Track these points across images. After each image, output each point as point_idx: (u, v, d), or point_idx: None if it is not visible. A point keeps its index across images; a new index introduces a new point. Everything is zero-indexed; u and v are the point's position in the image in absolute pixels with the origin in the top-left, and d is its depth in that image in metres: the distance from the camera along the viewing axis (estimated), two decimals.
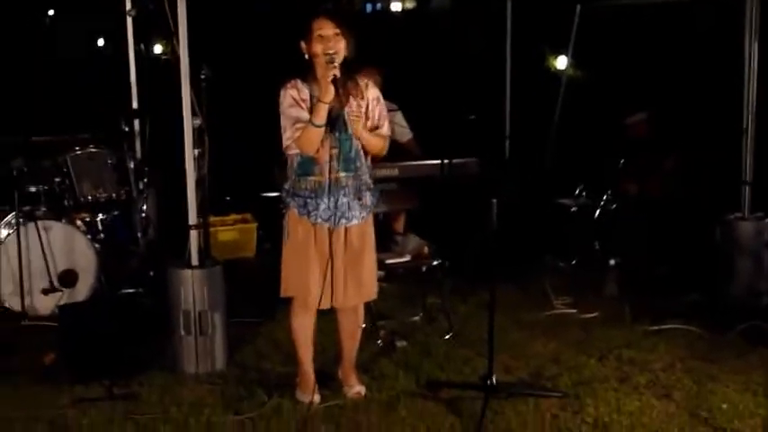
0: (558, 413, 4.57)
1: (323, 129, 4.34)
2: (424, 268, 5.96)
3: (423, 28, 18.44)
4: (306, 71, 4.46)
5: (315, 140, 4.35)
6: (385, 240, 6.01)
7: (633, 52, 12.62)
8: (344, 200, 4.45)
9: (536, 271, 7.00)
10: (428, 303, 6.18)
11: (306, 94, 4.43)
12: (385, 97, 4.73)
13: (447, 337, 5.67)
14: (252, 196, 8.09)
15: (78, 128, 6.99)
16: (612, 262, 6.58)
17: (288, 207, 4.54)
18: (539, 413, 4.57)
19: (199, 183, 5.34)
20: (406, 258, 5.81)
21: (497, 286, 4.80)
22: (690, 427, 4.42)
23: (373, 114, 4.55)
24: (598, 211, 7.36)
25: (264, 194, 7.63)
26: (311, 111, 4.35)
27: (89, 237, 6.32)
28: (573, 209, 7.54)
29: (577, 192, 7.67)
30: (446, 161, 5.66)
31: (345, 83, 4.37)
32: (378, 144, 4.57)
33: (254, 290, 6.40)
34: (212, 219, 7.17)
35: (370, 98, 4.54)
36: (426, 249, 5.87)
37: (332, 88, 4.28)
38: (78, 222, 6.42)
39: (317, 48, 4.37)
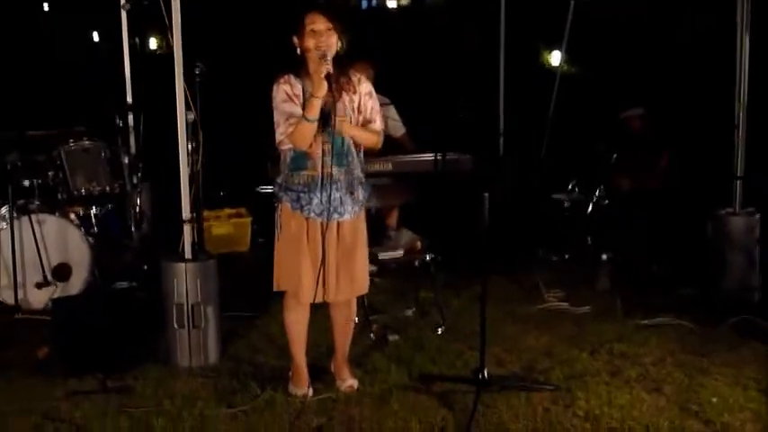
0: (550, 406, 4.59)
1: (316, 124, 4.34)
2: (416, 263, 5.98)
3: (418, 24, 18.44)
4: (298, 66, 4.46)
5: (308, 135, 4.37)
6: (378, 235, 6.02)
7: (626, 48, 12.66)
8: (337, 194, 4.46)
9: (529, 265, 7.03)
10: (421, 298, 6.21)
11: (299, 89, 4.43)
12: (378, 91, 4.75)
13: (439, 331, 5.69)
14: (246, 191, 8.12)
15: (72, 121, 7.00)
16: (605, 257, 6.61)
17: (280, 201, 4.55)
18: (530, 406, 4.58)
19: (192, 177, 5.36)
20: (399, 253, 5.83)
21: (490, 280, 4.83)
22: (680, 420, 4.44)
23: (365, 108, 4.55)
24: (591, 206, 7.40)
25: (259, 189, 7.66)
26: (304, 106, 4.36)
27: (83, 230, 6.33)
28: (566, 204, 7.58)
29: (570, 187, 7.72)
30: (440, 156, 5.67)
31: (338, 78, 4.38)
32: (370, 138, 4.59)
33: (248, 284, 6.41)
34: (207, 213, 7.22)
35: (363, 93, 4.55)
36: (419, 244, 5.88)
37: (325, 83, 4.29)
38: (72, 216, 6.43)
39: (310, 42, 4.38)
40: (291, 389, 4.78)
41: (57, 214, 6.25)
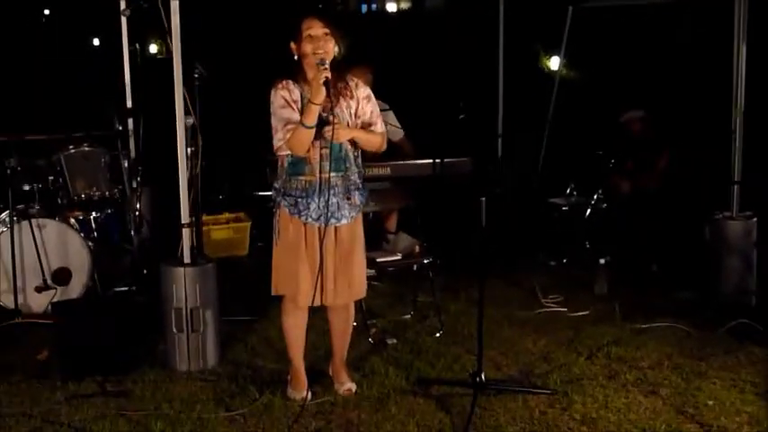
0: (547, 410, 4.61)
1: (314, 130, 4.36)
2: (415, 267, 6.00)
3: (417, 28, 18.50)
4: (296, 72, 4.49)
5: (306, 141, 4.38)
6: (376, 239, 6.05)
7: (625, 53, 12.70)
8: (334, 200, 4.48)
9: (527, 269, 7.06)
10: (419, 301, 6.23)
11: (297, 94, 4.45)
12: (377, 96, 4.76)
13: (437, 334, 5.71)
14: (245, 195, 8.14)
15: (73, 126, 7.02)
16: (602, 261, 6.62)
17: (278, 206, 4.57)
18: (527, 410, 4.61)
19: (192, 181, 5.38)
20: (398, 257, 5.85)
21: (489, 284, 4.85)
22: (676, 423, 4.46)
23: (364, 112, 4.57)
24: (589, 210, 7.43)
25: (258, 193, 7.69)
26: (302, 111, 4.38)
27: (83, 235, 6.34)
28: (564, 208, 7.61)
29: (568, 191, 7.74)
30: (438, 160, 5.70)
31: (335, 83, 4.39)
32: (372, 141, 4.59)
33: (247, 288, 6.44)
34: (206, 217, 7.24)
35: (361, 97, 4.57)
36: (417, 248, 5.90)
37: (323, 90, 4.30)
38: (72, 220, 6.44)
39: (307, 48, 4.40)
40: (290, 392, 4.80)
41: (57, 219, 6.27)
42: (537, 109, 8.60)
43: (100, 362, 5.05)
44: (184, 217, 5.21)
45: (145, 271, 6.56)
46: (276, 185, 4.58)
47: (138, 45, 7.56)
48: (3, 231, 6.06)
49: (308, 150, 4.42)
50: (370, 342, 5.58)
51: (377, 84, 5.79)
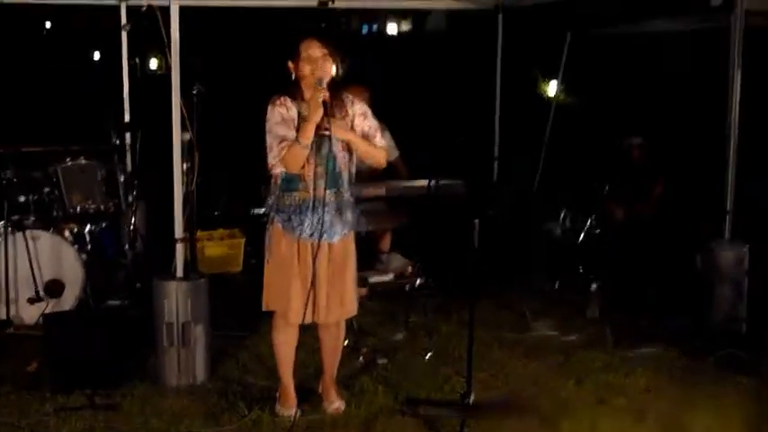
0: None
1: (308, 148, 4.39)
2: (407, 287, 6.01)
3: (417, 50, 18.58)
4: (293, 90, 4.52)
5: (300, 159, 4.41)
6: (369, 258, 6.06)
7: (622, 79, 12.76)
8: (327, 217, 4.50)
9: (520, 292, 7.06)
10: (411, 322, 6.24)
11: (294, 112, 4.47)
12: (373, 116, 4.79)
13: (428, 356, 5.72)
14: (240, 212, 8.16)
15: (70, 139, 7.04)
16: (594, 286, 6.64)
17: (271, 222, 4.60)
18: None
19: (187, 197, 5.40)
20: (390, 277, 5.86)
21: (481, 306, 4.86)
22: None
23: (361, 128, 4.59)
24: (582, 236, 7.45)
25: (253, 210, 7.70)
26: (298, 129, 4.41)
27: (77, 247, 6.35)
28: (557, 233, 7.63)
29: (562, 215, 7.76)
30: (433, 181, 5.72)
31: (331, 102, 4.43)
32: (372, 152, 4.59)
33: (240, 304, 6.43)
34: (200, 233, 7.26)
35: (357, 113, 4.59)
36: (410, 268, 5.92)
37: (320, 110, 4.34)
38: (66, 233, 6.44)
39: (306, 69, 4.44)
40: (279, 409, 4.80)
41: (51, 231, 6.28)
42: (534, 133, 8.65)
43: (90, 375, 5.05)
44: (178, 232, 5.23)
45: (138, 285, 6.57)
46: (269, 201, 4.60)
47: (138, 60, 7.61)
48: None
49: (303, 167, 4.44)
50: (361, 361, 5.59)
51: (375, 103, 5.81)
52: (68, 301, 6.24)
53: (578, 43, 8.36)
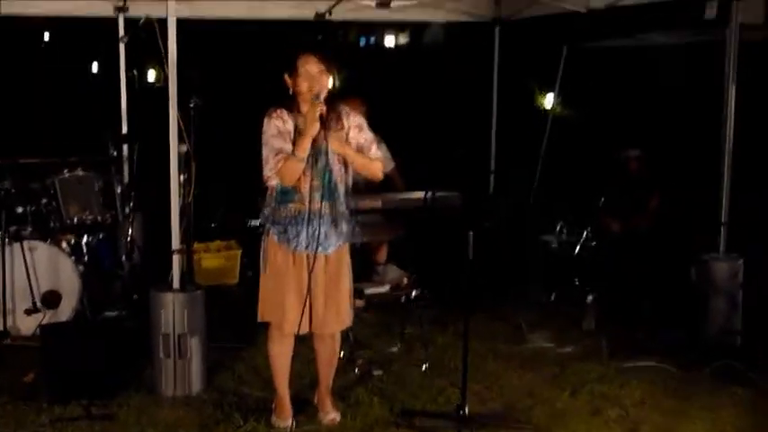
0: None
1: (304, 161, 4.41)
2: (402, 299, 6.03)
3: (415, 63, 18.62)
4: (290, 103, 4.54)
5: (296, 172, 4.42)
6: (366, 270, 6.08)
7: (619, 92, 12.80)
8: (322, 229, 4.51)
9: (516, 304, 7.07)
10: (406, 333, 6.25)
11: (290, 125, 4.49)
12: (369, 127, 4.81)
13: (423, 367, 5.73)
14: (237, 224, 8.17)
15: (68, 150, 7.06)
16: (590, 298, 6.66)
17: (267, 233, 4.62)
18: None
19: (184, 208, 5.42)
20: (386, 288, 5.88)
21: (476, 317, 4.88)
22: None
23: (357, 140, 4.61)
24: (578, 248, 7.46)
25: (249, 222, 7.73)
26: (294, 142, 4.43)
27: (74, 258, 6.37)
28: (553, 245, 7.65)
29: (558, 228, 7.78)
30: (429, 194, 5.74)
31: (328, 114, 4.45)
32: (367, 165, 4.62)
33: (236, 316, 6.45)
34: (197, 245, 7.26)
35: (352, 125, 4.62)
36: (406, 280, 5.94)
37: (317, 124, 4.36)
38: (64, 244, 6.46)
39: (303, 85, 4.46)
40: (274, 420, 4.81)
41: (48, 242, 6.30)
42: (531, 145, 8.67)
43: (87, 385, 5.06)
44: (175, 243, 5.25)
45: (135, 296, 6.58)
46: (265, 213, 4.62)
47: (135, 72, 7.62)
48: None
49: (299, 180, 4.46)
50: (357, 373, 5.60)
51: (373, 116, 5.84)
52: (65, 312, 6.25)
53: (575, 56, 8.40)
